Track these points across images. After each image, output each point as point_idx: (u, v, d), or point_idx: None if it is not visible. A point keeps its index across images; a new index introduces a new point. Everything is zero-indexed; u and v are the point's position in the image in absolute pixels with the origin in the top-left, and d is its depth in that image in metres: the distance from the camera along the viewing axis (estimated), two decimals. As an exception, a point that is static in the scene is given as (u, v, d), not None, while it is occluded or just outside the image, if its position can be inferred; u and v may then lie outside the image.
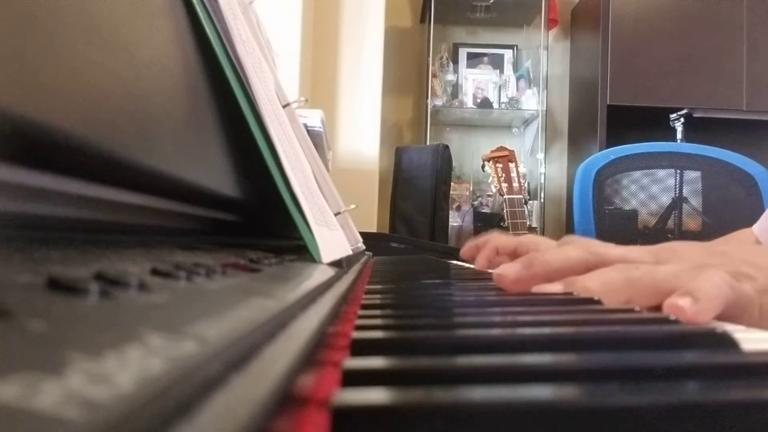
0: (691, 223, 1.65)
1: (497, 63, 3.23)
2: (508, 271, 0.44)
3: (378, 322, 0.27)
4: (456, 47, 3.26)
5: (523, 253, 0.64)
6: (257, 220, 0.55)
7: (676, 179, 1.60)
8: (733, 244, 0.67)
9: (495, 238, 0.75)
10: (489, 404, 0.14)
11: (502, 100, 3.16)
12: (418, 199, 2.56)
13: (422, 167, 2.58)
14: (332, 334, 0.21)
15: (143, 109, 0.26)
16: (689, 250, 0.44)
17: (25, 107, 0.16)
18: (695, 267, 0.39)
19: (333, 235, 0.53)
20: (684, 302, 0.33)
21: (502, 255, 0.73)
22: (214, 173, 0.37)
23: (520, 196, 1.84)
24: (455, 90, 3.17)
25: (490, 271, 0.66)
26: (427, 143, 2.89)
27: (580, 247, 0.46)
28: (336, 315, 0.25)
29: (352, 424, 0.14)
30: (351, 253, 0.65)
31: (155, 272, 0.20)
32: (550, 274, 0.43)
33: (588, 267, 0.43)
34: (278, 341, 0.15)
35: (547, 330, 0.25)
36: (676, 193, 1.62)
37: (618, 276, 0.40)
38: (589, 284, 0.40)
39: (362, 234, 1.02)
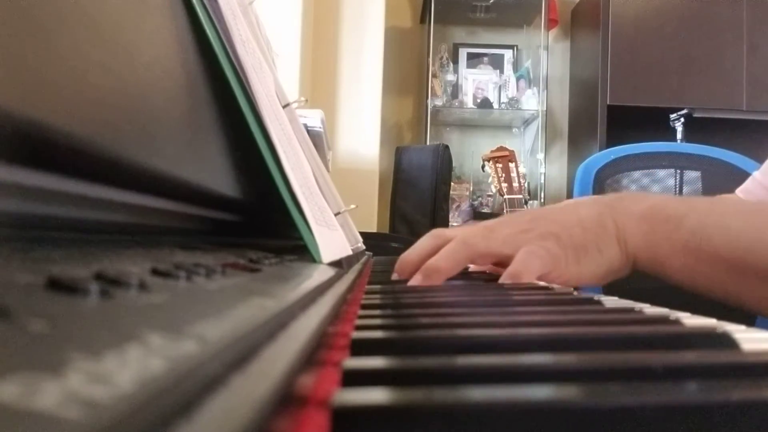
0: (691, 223, 1.64)
1: (497, 63, 3.23)
2: (393, 280, 0.54)
3: (378, 322, 0.27)
4: (456, 47, 3.25)
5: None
6: (257, 220, 0.55)
7: (676, 179, 1.60)
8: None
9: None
10: (489, 404, 0.14)
11: (502, 100, 3.16)
12: (418, 199, 2.55)
13: (422, 167, 2.57)
14: (332, 334, 0.21)
15: (143, 109, 0.26)
16: (513, 219, 0.55)
17: (25, 107, 0.16)
18: (519, 232, 0.52)
19: (333, 235, 0.53)
20: (516, 276, 0.47)
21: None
22: (214, 173, 0.37)
23: (520, 196, 1.83)
24: (455, 90, 3.17)
25: (489, 270, 0.66)
26: (427, 143, 2.89)
27: (426, 236, 0.56)
28: (336, 315, 0.25)
29: (352, 424, 0.14)
30: (351, 253, 0.65)
31: (155, 272, 0.20)
32: (416, 268, 0.52)
33: (439, 248, 0.52)
34: (278, 341, 0.15)
35: (546, 330, 0.25)
36: (676, 193, 1.62)
37: (459, 248, 0.51)
38: (439, 263, 0.49)
39: (362, 234, 1.02)
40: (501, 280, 0.47)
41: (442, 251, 0.51)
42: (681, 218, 0.50)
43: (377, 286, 0.45)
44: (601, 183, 1.55)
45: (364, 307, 0.31)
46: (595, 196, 0.59)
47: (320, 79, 2.52)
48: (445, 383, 0.16)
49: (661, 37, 2.81)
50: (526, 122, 3.23)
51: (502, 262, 0.51)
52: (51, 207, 0.22)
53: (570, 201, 0.59)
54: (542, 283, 0.48)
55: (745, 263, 0.48)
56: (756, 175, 0.86)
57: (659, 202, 0.53)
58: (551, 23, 3.13)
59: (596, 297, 0.38)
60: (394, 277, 0.54)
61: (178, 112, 0.32)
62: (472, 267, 0.74)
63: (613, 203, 0.54)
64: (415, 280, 0.49)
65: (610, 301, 0.37)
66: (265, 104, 0.46)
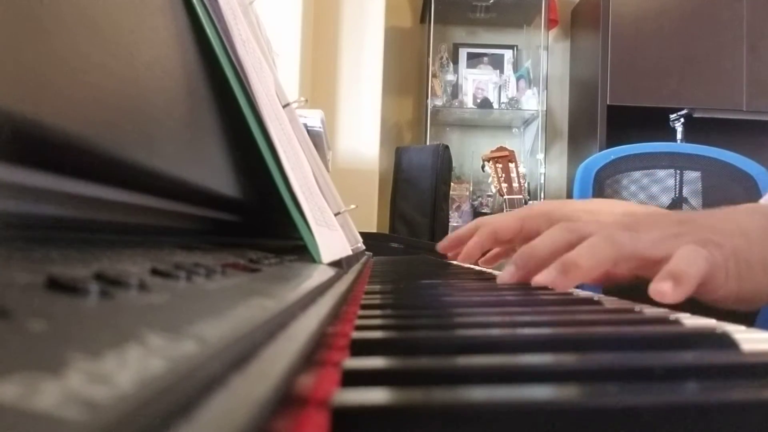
0: (691, 224, 1.64)
1: (497, 63, 3.23)
2: (506, 277, 0.47)
3: (378, 322, 0.27)
4: (456, 47, 3.26)
5: (529, 239, 0.59)
6: (257, 220, 0.55)
7: (676, 179, 1.60)
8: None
9: (488, 223, 0.67)
10: (489, 404, 0.14)
11: (502, 101, 3.16)
12: (418, 200, 2.56)
13: (422, 167, 2.58)
14: (332, 334, 0.21)
15: (143, 109, 0.26)
16: (658, 220, 0.47)
17: (25, 107, 0.16)
18: (670, 236, 0.43)
19: (333, 235, 0.53)
20: (667, 287, 0.37)
21: (501, 242, 0.68)
22: (214, 173, 0.37)
23: (520, 197, 1.84)
24: (455, 90, 3.17)
25: (490, 270, 0.66)
26: (427, 143, 2.89)
27: (559, 228, 0.48)
28: (336, 315, 0.25)
29: (352, 424, 0.14)
30: (351, 253, 0.65)
31: (155, 272, 0.20)
32: (543, 264, 0.45)
33: (571, 245, 0.45)
34: (278, 341, 0.15)
35: (546, 330, 0.25)
36: (676, 194, 1.62)
37: (604, 245, 0.43)
38: (579, 260, 0.42)
39: (362, 234, 1.02)
40: (656, 282, 0.38)
41: (582, 246, 0.43)
42: None
43: (377, 287, 0.45)
44: (601, 183, 1.55)
45: (364, 307, 0.31)
46: (750, 205, 0.49)
47: (320, 79, 2.52)
48: (445, 383, 0.16)
49: (661, 38, 2.81)
50: (526, 122, 3.23)
51: (646, 268, 0.43)
52: (51, 207, 0.22)
53: (723, 208, 0.50)
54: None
55: None
56: None
57: None
58: (551, 23, 3.14)
59: (596, 297, 0.38)
60: (509, 273, 0.47)
61: (178, 112, 0.32)
62: (461, 257, 0.67)
63: None
64: (547, 276, 0.43)
65: (610, 301, 0.37)
66: (265, 104, 0.46)
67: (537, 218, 0.65)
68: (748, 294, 0.44)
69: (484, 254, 0.72)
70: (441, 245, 0.71)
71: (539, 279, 0.43)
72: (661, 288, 0.37)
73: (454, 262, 1.00)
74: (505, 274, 0.47)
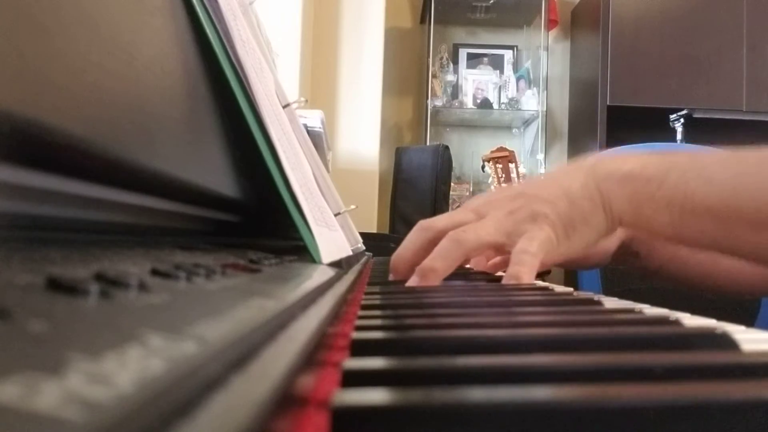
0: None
1: (497, 63, 3.23)
2: (390, 280, 0.53)
3: (378, 322, 0.27)
4: (456, 48, 3.25)
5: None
6: (257, 220, 0.55)
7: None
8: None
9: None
10: (489, 405, 0.14)
11: (502, 101, 3.16)
12: (418, 200, 2.55)
13: (422, 168, 2.57)
14: (332, 334, 0.21)
15: (143, 110, 0.26)
16: (498, 199, 0.54)
17: (25, 107, 0.16)
18: (507, 215, 0.51)
19: (333, 235, 0.53)
20: (516, 271, 0.47)
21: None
22: (214, 173, 0.37)
23: (520, 197, 1.83)
24: (455, 90, 3.17)
25: (490, 272, 0.66)
26: (427, 144, 2.89)
27: (414, 230, 0.55)
28: (336, 315, 0.25)
29: (351, 425, 0.14)
30: (351, 253, 0.65)
31: (155, 273, 0.20)
32: (410, 266, 0.51)
33: (432, 242, 0.51)
34: (278, 342, 0.15)
35: (546, 330, 0.25)
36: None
37: (451, 246, 0.49)
38: (434, 264, 0.49)
39: (362, 234, 1.02)
40: (505, 280, 0.47)
41: (435, 251, 0.50)
42: (663, 176, 0.50)
43: (377, 287, 0.45)
44: (601, 183, 1.55)
45: (364, 307, 0.31)
46: (577, 162, 0.56)
47: (320, 80, 2.52)
48: (445, 384, 0.16)
49: (661, 38, 2.81)
50: (526, 123, 3.23)
51: (499, 250, 0.52)
52: (51, 207, 0.22)
53: (552, 171, 0.60)
54: (542, 284, 0.48)
55: (730, 211, 0.47)
56: None
57: (640, 162, 0.53)
58: (551, 23, 3.14)
59: (596, 297, 0.38)
60: (391, 277, 0.54)
61: (178, 113, 0.32)
62: (471, 264, 0.73)
63: (596, 168, 0.53)
64: (413, 282, 0.49)
65: (610, 302, 0.37)
66: (265, 104, 0.46)
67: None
68: (578, 247, 0.51)
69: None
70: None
71: (410, 284, 0.49)
72: (512, 274, 0.47)
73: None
74: (390, 278, 0.53)
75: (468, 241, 0.49)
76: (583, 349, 0.22)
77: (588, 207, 0.51)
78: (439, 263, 0.49)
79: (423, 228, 0.54)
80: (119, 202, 0.26)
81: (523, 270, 0.47)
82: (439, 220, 0.54)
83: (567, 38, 3.31)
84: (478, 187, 3.15)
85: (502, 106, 3.15)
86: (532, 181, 0.58)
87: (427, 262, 0.49)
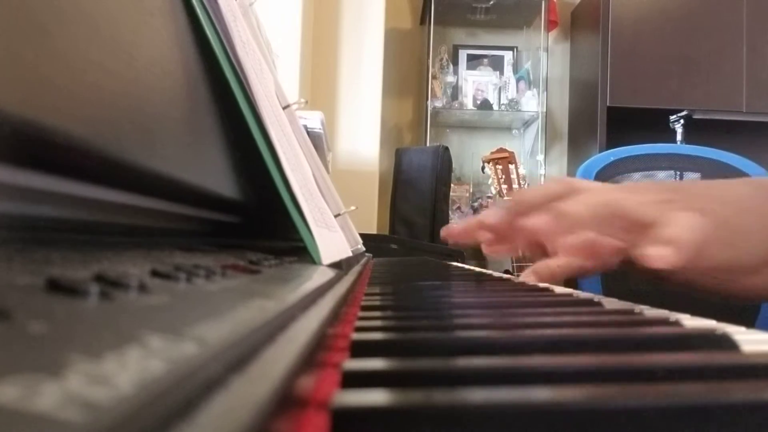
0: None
1: (497, 64, 3.24)
2: (491, 216, 0.46)
3: (378, 323, 0.27)
4: (456, 49, 3.26)
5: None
6: (257, 221, 0.55)
7: (675, 180, 1.60)
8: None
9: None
10: (489, 406, 0.14)
11: (502, 102, 3.16)
12: (418, 201, 2.56)
13: (422, 169, 2.58)
14: (332, 335, 0.21)
15: (143, 111, 0.26)
16: (651, 187, 0.46)
17: (25, 108, 0.16)
18: (662, 200, 0.42)
19: (333, 236, 0.53)
20: (665, 251, 0.36)
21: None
22: (214, 175, 0.37)
23: (520, 198, 1.83)
24: (455, 91, 3.17)
25: (490, 272, 0.66)
26: (427, 145, 2.89)
27: (554, 179, 0.48)
28: (336, 316, 0.25)
29: (351, 426, 0.14)
30: (351, 254, 0.65)
31: (155, 274, 0.20)
32: (533, 210, 0.45)
33: (565, 197, 0.44)
34: (278, 343, 0.15)
35: (546, 331, 0.25)
36: (676, 195, 1.61)
37: (597, 199, 0.42)
38: (570, 208, 0.42)
39: (362, 235, 1.02)
40: (652, 245, 0.37)
41: (575, 198, 0.43)
42: None
43: (377, 288, 0.45)
44: (601, 184, 1.55)
45: (364, 308, 0.31)
46: (743, 178, 0.49)
47: (320, 81, 2.52)
48: (445, 385, 0.16)
49: (661, 39, 2.81)
50: (526, 124, 3.23)
51: (634, 232, 0.41)
52: (51, 208, 0.22)
53: (716, 180, 0.49)
54: (542, 284, 0.46)
55: None
56: None
57: None
58: (551, 24, 3.14)
59: (596, 298, 0.38)
60: (496, 213, 0.46)
61: (178, 114, 0.32)
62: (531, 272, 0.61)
63: (765, 183, 0.46)
64: (537, 219, 0.42)
65: (611, 303, 0.37)
66: (265, 105, 0.46)
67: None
68: (745, 259, 0.42)
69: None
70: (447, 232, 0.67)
71: (530, 221, 0.42)
72: (659, 251, 0.36)
73: (454, 264, 1.00)
74: (491, 213, 0.47)
75: (615, 201, 0.42)
76: (584, 350, 0.22)
77: (755, 222, 0.43)
78: (577, 209, 0.42)
79: (562, 182, 0.47)
80: (119, 203, 0.26)
81: (682, 234, 0.37)
82: (581, 182, 0.47)
83: (567, 39, 3.31)
84: (478, 188, 3.15)
85: (502, 107, 3.15)
86: (690, 182, 0.50)
87: (564, 203, 0.42)
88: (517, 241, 0.46)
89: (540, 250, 0.47)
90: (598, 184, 0.47)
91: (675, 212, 0.40)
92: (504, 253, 0.49)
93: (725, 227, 0.42)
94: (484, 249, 0.57)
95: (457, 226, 0.59)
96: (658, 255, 0.37)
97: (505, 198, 1.83)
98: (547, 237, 0.44)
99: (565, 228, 0.41)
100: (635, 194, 0.43)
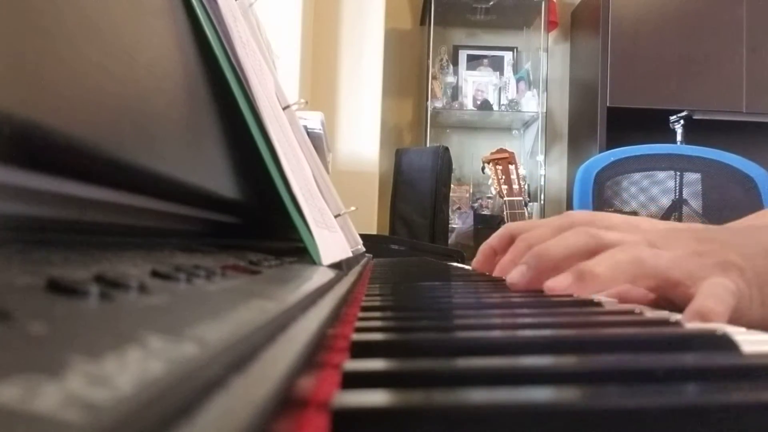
0: (692, 225, 1.64)
1: (497, 65, 3.24)
2: (516, 277, 0.45)
3: (378, 324, 0.27)
4: (456, 49, 3.26)
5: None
6: (257, 222, 0.55)
7: (676, 181, 1.60)
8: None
9: (524, 238, 0.58)
10: (489, 407, 0.14)
11: (502, 102, 3.16)
12: (418, 201, 2.56)
13: (422, 169, 2.58)
14: (332, 336, 0.21)
15: (143, 111, 0.26)
16: (680, 237, 0.44)
17: (24, 109, 0.16)
18: (693, 255, 0.40)
19: (333, 237, 0.53)
20: (705, 315, 0.35)
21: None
22: (215, 175, 0.37)
23: (520, 198, 1.84)
24: (455, 92, 3.17)
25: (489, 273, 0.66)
26: (427, 145, 2.89)
27: (578, 231, 0.46)
28: (336, 317, 0.25)
29: (352, 427, 0.14)
30: (351, 255, 0.65)
31: (155, 274, 0.20)
32: (556, 265, 0.44)
33: (590, 251, 0.43)
34: (278, 343, 0.15)
35: (547, 332, 0.25)
36: (676, 195, 1.62)
37: (625, 258, 0.41)
38: (596, 269, 0.40)
39: (362, 236, 1.02)
40: (686, 318, 0.35)
41: (603, 256, 0.42)
42: None
43: (377, 288, 0.45)
44: (601, 185, 1.56)
45: (364, 309, 0.31)
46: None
47: (320, 81, 2.52)
48: (445, 385, 0.16)
49: (661, 39, 2.81)
50: (526, 124, 3.23)
51: (667, 289, 0.41)
52: (51, 209, 0.22)
53: (743, 223, 0.47)
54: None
55: None
56: None
57: None
58: (551, 25, 3.14)
59: (596, 299, 0.38)
60: (519, 272, 0.45)
61: (178, 114, 0.32)
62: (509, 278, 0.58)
63: None
64: (562, 281, 0.41)
65: (611, 303, 0.37)
66: (265, 106, 0.46)
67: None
68: None
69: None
70: (476, 265, 0.66)
71: (552, 284, 0.41)
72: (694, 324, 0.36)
73: (454, 264, 1.00)
74: (515, 273, 0.46)
75: (645, 262, 0.41)
76: (584, 350, 0.22)
77: None
78: (604, 271, 0.40)
79: (588, 234, 0.45)
80: (119, 203, 0.26)
81: (715, 307, 0.36)
82: (608, 234, 0.46)
83: (567, 40, 3.31)
84: (478, 189, 3.15)
85: (502, 107, 3.15)
86: (719, 229, 0.48)
87: (591, 263, 0.41)
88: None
89: None
90: (624, 232, 0.46)
91: (708, 272, 0.39)
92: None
93: (756, 283, 0.41)
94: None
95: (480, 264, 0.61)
96: (698, 312, 0.36)
97: (506, 198, 1.83)
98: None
99: (590, 289, 0.41)
100: (665, 248, 0.42)
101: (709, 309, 0.35)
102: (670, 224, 0.64)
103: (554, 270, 0.43)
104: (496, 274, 0.59)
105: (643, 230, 0.48)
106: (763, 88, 2.76)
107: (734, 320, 0.37)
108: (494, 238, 0.64)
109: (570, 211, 0.66)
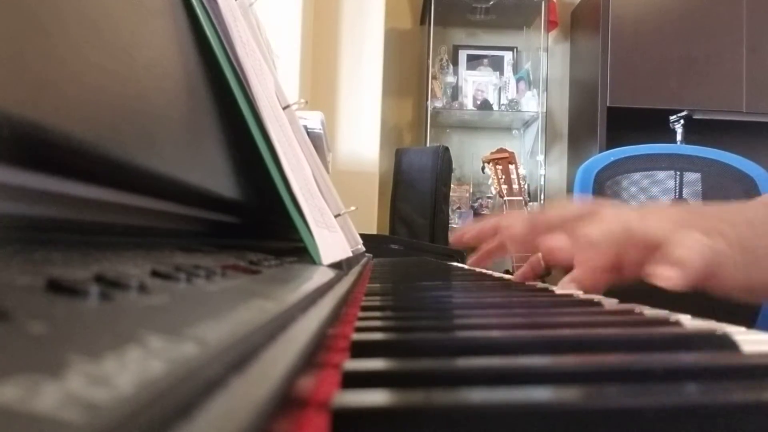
0: (691, 225, 1.64)
1: (497, 65, 3.24)
2: (514, 233, 0.48)
3: (378, 324, 0.27)
4: (456, 49, 3.26)
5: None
6: (257, 221, 0.55)
7: (676, 181, 1.60)
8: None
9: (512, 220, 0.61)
10: (489, 406, 0.14)
11: (502, 102, 3.16)
12: (418, 201, 2.56)
13: (422, 169, 2.58)
14: (332, 335, 0.21)
15: (143, 111, 0.26)
16: (668, 209, 0.47)
17: (25, 109, 0.16)
18: (678, 221, 0.43)
19: (333, 236, 0.53)
20: (670, 271, 0.37)
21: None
22: (215, 175, 0.37)
23: (520, 198, 1.83)
24: (455, 92, 3.17)
25: (490, 272, 0.66)
26: (427, 145, 2.89)
27: (575, 204, 0.50)
28: (336, 317, 0.25)
29: (351, 426, 0.14)
30: (351, 254, 0.65)
31: (155, 274, 0.20)
32: (551, 226, 0.47)
33: (583, 219, 0.46)
34: (278, 343, 0.15)
35: (547, 332, 0.25)
36: (676, 195, 1.62)
37: (615, 223, 0.44)
38: (589, 230, 0.43)
39: (362, 236, 1.02)
40: (658, 266, 0.37)
41: (594, 222, 0.44)
42: None
43: (377, 288, 0.45)
44: (601, 185, 1.56)
45: (364, 309, 0.31)
46: (759, 199, 0.49)
47: (320, 81, 2.52)
48: (445, 385, 0.16)
49: (661, 39, 2.81)
50: (526, 124, 3.23)
51: (651, 249, 0.43)
52: (51, 209, 0.22)
53: (733, 203, 0.50)
54: (542, 285, 0.46)
55: None
56: None
57: None
58: (551, 25, 3.14)
59: (596, 298, 0.38)
60: (517, 229, 0.48)
61: (178, 114, 0.32)
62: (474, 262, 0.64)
63: None
64: (557, 240, 0.44)
65: (611, 303, 0.37)
66: (265, 106, 0.46)
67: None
68: (757, 284, 0.43)
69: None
70: (456, 235, 0.67)
71: (549, 241, 0.43)
72: (664, 272, 0.37)
73: (454, 264, 1.00)
74: (514, 231, 0.48)
75: (632, 224, 0.43)
76: (584, 350, 0.22)
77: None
78: (596, 233, 0.43)
79: (582, 204, 0.49)
80: (119, 203, 0.26)
81: (689, 255, 0.37)
82: (600, 205, 0.49)
83: (567, 39, 3.31)
84: (478, 189, 3.15)
85: (502, 107, 3.15)
86: (711, 205, 0.50)
87: (584, 226, 0.44)
88: (532, 252, 0.49)
89: (557, 263, 0.48)
90: (615, 206, 0.49)
91: (687, 233, 0.41)
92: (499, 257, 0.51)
93: (739, 248, 0.42)
94: (476, 260, 0.60)
95: (469, 229, 0.62)
96: (664, 275, 0.37)
97: (506, 198, 1.83)
98: (564, 255, 0.46)
99: (581, 249, 0.43)
100: (650, 216, 0.44)
101: (684, 257, 0.37)
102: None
103: (549, 231, 0.46)
104: (475, 260, 0.64)
105: (634, 209, 0.51)
106: (763, 88, 2.76)
107: (718, 281, 0.41)
108: (489, 225, 0.65)
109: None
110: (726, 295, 0.43)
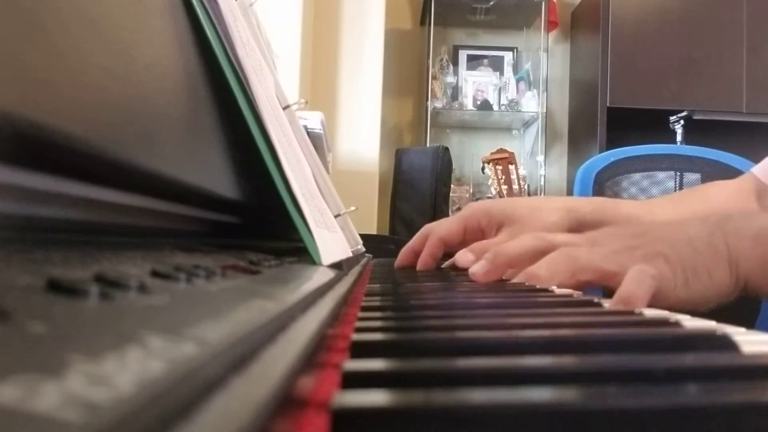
0: (691, 226, 1.64)
1: (497, 65, 3.24)
2: (477, 269, 0.54)
3: (378, 324, 0.27)
4: (456, 49, 3.26)
5: (475, 238, 0.72)
6: (257, 221, 0.55)
7: (675, 181, 1.60)
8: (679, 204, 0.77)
9: (435, 232, 0.73)
10: (489, 406, 0.14)
11: (502, 102, 3.16)
12: (418, 201, 2.56)
13: (422, 169, 2.58)
14: (332, 336, 0.21)
15: (143, 111, 0.26)
16: (617, 234, 0.53)
17: (25, 109, 0.16)
18: (625, 248, 0.49)
19: (333, 236, 0.53)
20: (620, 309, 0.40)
21: (452, 246, 0.73)
22: (215, 175, 0.37)
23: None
24: (455, 92, 3.17)
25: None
26: (427, 145, 2.89)
27: (534, 236, 0.56)
28: (336, 317, 0.25)
29: (351, 427, 0.14)
30: (351, 255, 0.65)
31: (155, 274, 0.20)
32: (511, 263, 0.53)
33: (540, 252, 0.52)
34: (278, 343, 0.15)
35: (546, 332, 0.25)
36: (675, 195, 1.61)
37: (561, 258, 0.49)
38: (538, 271, 0.49)
39: (362, 236, 1.02)
40: (612, 304, 0.40)
41: (544, 260, 0.50)
42: None
43: (377, 288, 0.45)
44: (601, 185, 1.55)
45: (364, 309, 0.31)
46: (702, 217, 0.54)
47: (320, 81, 2.52)
48: (445, 385, 0.16)
49: (661, 39, 2.81)
50: (526, 124, 3.23)
51: (604, 280, 0.48)
52: (51, 209, 0.22)
53: (676, 220, 0.56)
54: (543, 286, 0.47)
55: None
56: None
57: None
58: (551, 25, 3.14)
59: (596, 299, 0.38)
60: (481, 267, 0.53)
61: (178, 114, 0.32)
62: (419, 267, 0.73)
63: (723, 224, 0.51)
64: (513, 278, 0.50)
65: (610, 303, 0.37)
66: (265, 106, 0.46)
67: (477, 216, 0.74)
68: (697, 298, 0.48)
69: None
70: (397, 263, 0.76)
71: (508, 276, 0.50)
72: (619, 307, 0.42)
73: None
74: (477, 266, 0.54)
75: (578, 258, 0.49)
76: (584, 350, 0.22)
77: (712, 260, 0.48)
78: (545, 272, 0.49)
79: (538, 237, 0.55)
80: (119, 203, 0.26)
81: (635, 291, 0.41)
82: (556, 236, 0.55)
83: (567, 40, 3.31)
84: (478, 189, 3.15)
85: (502, 107, 3.15)
86: (654, 225, 0.56)
87: (534, 267, 0.50)
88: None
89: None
90: (568, 237, 0.55)
91: (635, 262, 0.46)
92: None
93: (680, 268, 0.47)
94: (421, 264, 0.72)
95: (404, 257, 0.74)
96: (623, 299, 0.42)
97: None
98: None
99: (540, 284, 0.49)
100: (602, 247, 0.50)
101: (630, 293, 0.41)
102: (571, 202, 0.76)
103: (509, 266, 0.53)
104: (419, 266, 0.72)
105: (559, 209, 0.61)
106: (763, 88, 2.77)
107: (660, 300, 0.45)
108: (413, 241, 0.75)
109: (472, 203, 0.82)
110: (667, 308, 0.47)
